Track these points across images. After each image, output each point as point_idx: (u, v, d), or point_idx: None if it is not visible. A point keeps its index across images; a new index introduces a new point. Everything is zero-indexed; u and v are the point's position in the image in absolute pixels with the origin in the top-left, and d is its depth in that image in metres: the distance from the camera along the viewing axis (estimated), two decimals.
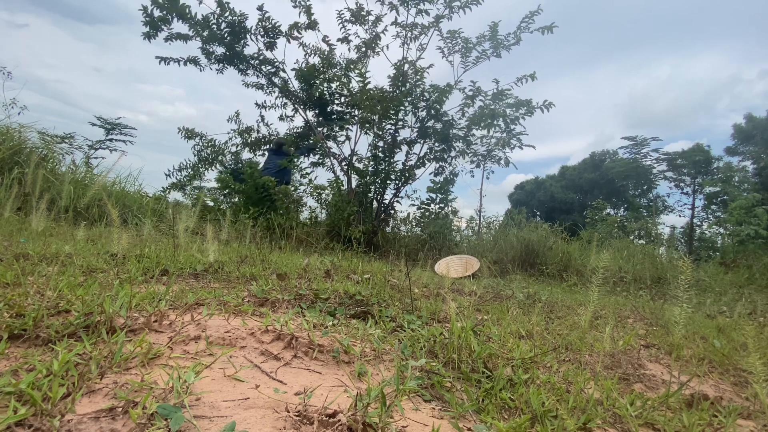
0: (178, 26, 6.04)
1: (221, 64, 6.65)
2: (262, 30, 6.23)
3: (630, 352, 1.84)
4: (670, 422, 1.06)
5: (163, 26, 5.97)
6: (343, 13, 6.29)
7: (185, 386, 0.87)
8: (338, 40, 6.44)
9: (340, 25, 6.38)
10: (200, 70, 6.65)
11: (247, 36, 6.26)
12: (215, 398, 0.87)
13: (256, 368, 1.07)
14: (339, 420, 0.82)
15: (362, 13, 6.22)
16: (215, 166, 6.98)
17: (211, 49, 6.38)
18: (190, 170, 6.76)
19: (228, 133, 7.20)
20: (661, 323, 2.51)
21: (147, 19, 5.87)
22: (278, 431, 0.78)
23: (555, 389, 1.17)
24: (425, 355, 1.29)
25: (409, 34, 6.26)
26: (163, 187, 6.51)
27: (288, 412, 0.85)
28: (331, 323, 1.53)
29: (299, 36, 6.42)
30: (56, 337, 1.05)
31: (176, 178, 6.68)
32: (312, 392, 0.95)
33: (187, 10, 5.79)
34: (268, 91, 7.12)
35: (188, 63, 6.48)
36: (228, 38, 6.16)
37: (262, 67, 6.67)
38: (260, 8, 6.05)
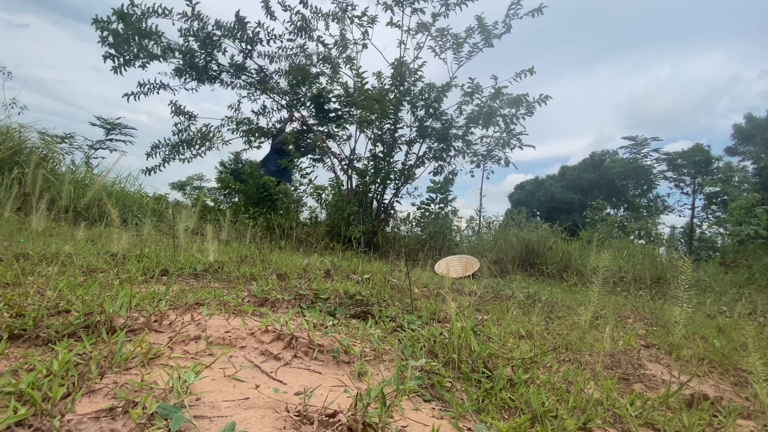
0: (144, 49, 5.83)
1: (197, 82, 6.46)
2: (244, 34, 6.13)
3: (630, 352, 1.84)
4: (670, 422, 1.06)
5: (130, 54, 5.69)
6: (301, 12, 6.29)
7: (185, 386, 0.87)
8: (299, 30, 6.38)
9: (290, 24, 6.35)
10: (174, 94, 6.43)
11: (223, 43, 6.14)
12: (215, 398, 0.87)
13: (256, 368, 1.07)
14: (339, 420, 0.82)
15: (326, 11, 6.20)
16: (203, 152, 6.75)
17: (183, 66, 6.23)
18: (166, 149, 6.50)
19: (222, 119, 7.00)
20: (661, 323, 2.50)
21: (108, 52, 5.54)
22: (278, 431, 0.78)
23: (555, 389, 1.17)
24: (425, 355, 1.29)
25: (405, 34, 6.27)
26: (146, 167, 6.35)
27: (288, 412, 0.85)
28: (331, 323, 1.53)
29: (277, 36, 6.38)
30: (56, 337, 1.05)
31: (160, 157, 6.47)
32: (312, 392, 0.95)
33: (143, 25, 5.56)
34: (253, 98, 7.03)
35: (158, 90, 6.25)
36: (207, 48, 6.04)
37: (242, 74, 6.58)
38: (237, 15, 6.00)
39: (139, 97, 6.14)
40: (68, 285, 1.41)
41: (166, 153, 6.51)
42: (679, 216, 22.71)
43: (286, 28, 6.40)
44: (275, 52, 6.54)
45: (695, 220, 21.22)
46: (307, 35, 6.44)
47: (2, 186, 3.60)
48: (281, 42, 6.47)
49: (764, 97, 43.53)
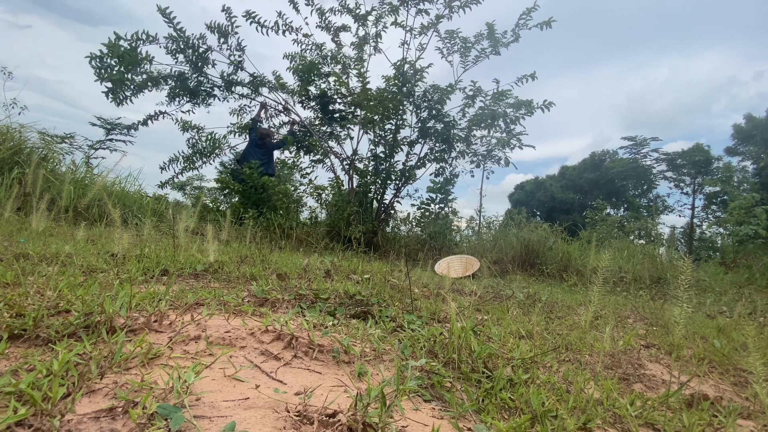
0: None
1: (191, 104, 6.67)
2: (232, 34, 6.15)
3: (630, 352, 1.84)
4: (670, 422, 1.06)
5: (128, 88, 5.87)
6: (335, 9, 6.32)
7: (185, 386, 0.87)
8: (339, 28, 6.44)
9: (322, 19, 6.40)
10: (172, 119, 6.68)
11: (210, 56, 6.20)
12: (215, 398, 0.87)
13: (256, 368, 1.07)
14: (339, 420, 0.82)
15: (351, 6, 6.23)
16: (212, 159, 6.96)
17: (176, 89, 6.38)
18: (183, 162, 6.74)
19: (227, 126, 7.20)
20: (661, 323, 2.50)
21: (107, 87, 5.71)
22: (278, 431, 0.78)
23: (555, 389, 1.17)
24: (425, 355, 1.29)
25: (408, 35, 6.27)
26: (160, 182, 6.55)
27: (288, 412, 0.85)
28: (331, 323, 1.53)
29: (295, 27, 6.39)
30: (56, 337, 1.05)
31: (173, 171, 6.70)
32: (312, 392, 0.95)
33: (137, 54, 5.65)
34: (250, 108, 7.18)
35: (157, 118, 6.53)
36: (197, 63, 6.11)
37: (235, 87, 6.67)
38: (249, 13, 6.03)
39: (147, 123, 6.57)
40: (68, 285, 1.41)
41: (183, 166, 6.77)
42: (679, 216, 22.76)
43: (306, 23, 6.47)
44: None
45: (695, 220, 21.24)
46: (328, 30, 6.49)
47: (2, 186, 3.60)
48: (297, 35, 6.52)
49: (760, 98, 43.79)
